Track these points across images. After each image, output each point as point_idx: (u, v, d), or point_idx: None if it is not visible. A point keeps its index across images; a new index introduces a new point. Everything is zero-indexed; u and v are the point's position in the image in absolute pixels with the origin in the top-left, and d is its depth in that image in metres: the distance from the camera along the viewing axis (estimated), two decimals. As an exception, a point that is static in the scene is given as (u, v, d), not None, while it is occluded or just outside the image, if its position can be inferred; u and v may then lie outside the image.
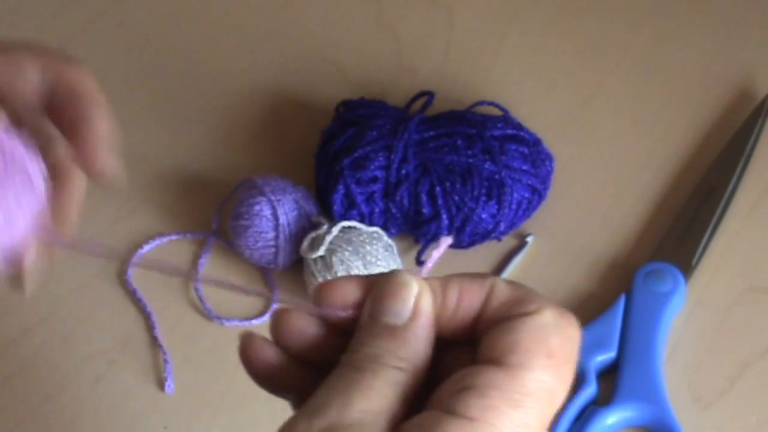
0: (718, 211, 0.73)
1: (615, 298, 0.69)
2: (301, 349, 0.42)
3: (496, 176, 0.70)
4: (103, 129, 0.48)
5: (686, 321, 0.70)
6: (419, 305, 0.40)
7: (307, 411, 0.39)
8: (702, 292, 0.71)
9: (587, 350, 0.68)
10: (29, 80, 0.49)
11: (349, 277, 0.42)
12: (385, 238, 0.69)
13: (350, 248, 0.68)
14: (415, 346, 0.40)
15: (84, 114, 0.48)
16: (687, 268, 0.71)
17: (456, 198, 0.70)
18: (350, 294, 0.41)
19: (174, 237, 0.74)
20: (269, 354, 0.42)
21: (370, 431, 0.39)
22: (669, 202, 0.75)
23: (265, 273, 0.73)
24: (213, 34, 0.84)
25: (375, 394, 0.39)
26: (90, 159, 0.48)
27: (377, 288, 0.41)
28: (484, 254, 0.73)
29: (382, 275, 0.41)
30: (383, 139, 0.71)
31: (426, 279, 0.41)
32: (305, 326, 0.42)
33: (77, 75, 0.49)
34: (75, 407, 0.69)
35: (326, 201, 0.71)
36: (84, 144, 0.48)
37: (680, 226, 0.73)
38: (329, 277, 0.68)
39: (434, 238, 0.71)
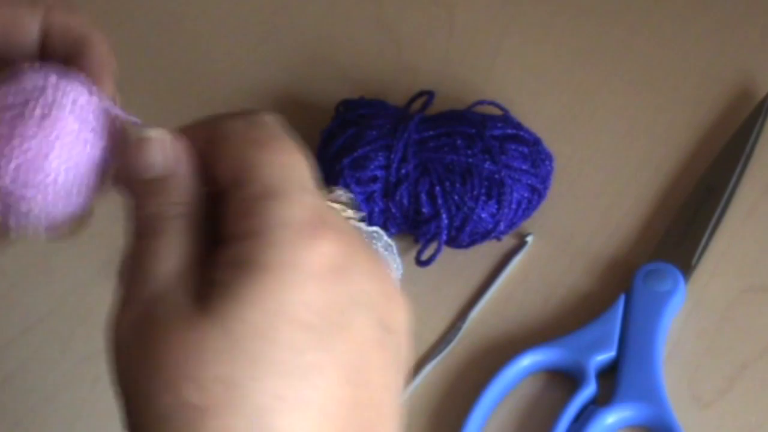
0: (718, 211, 0.73)
1: (615, 298, 0.69)
2: None
3: (496, 176, 0.70)
4: (102, 54, 0.47)
5: (686, 321, 0.70)
6: (167, 149, 0.41)
7: (117, 307, 0.39)
8: (702, 292, 0.71)
9: (587, 350, 0.68)
10: (29, 32, 0.48)
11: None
12: (385, 237, 0.69)
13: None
14: (184, 184, 0.40)
15: (82, 47, 0.47)
16: (687, 268, 0.71)
17: (456, 198, 0.70)
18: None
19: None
20: None
21: (182, 289, 0.38)
22: (669, 202, 0.75)
23: (264, 273, 0.73)
24: (212, 34, 0.84)
25: (168, 252, 0.39)
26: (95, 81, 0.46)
27: (126, 154, 0.42)
28: (483, 254, 0.73)
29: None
30: (383, 138, 0.71)
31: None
32: None
33: (75, 19, 0.48)
34: (75, 407, 0.69)
35: (326, 201, 0.71)
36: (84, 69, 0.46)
37: (680, 226, 0.73)
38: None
39: (434, 238, 0.71)
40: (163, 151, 0.41)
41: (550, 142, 0.74)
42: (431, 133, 0.71)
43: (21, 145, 0.41)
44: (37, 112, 0.42)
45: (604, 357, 0.68)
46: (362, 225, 0.69)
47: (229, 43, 0.84)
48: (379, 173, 0.71)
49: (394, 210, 0.71)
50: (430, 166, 0.70)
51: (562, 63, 0.81)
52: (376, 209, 0.71)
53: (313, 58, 0.82)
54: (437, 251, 0.71)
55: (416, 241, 0.72)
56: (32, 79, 0.43)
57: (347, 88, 0.79)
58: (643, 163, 0.77)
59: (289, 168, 0.39)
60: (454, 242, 0.71)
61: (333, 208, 0.40)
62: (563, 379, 0.68)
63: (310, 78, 0.81)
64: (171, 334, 0.37)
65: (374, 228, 0.69)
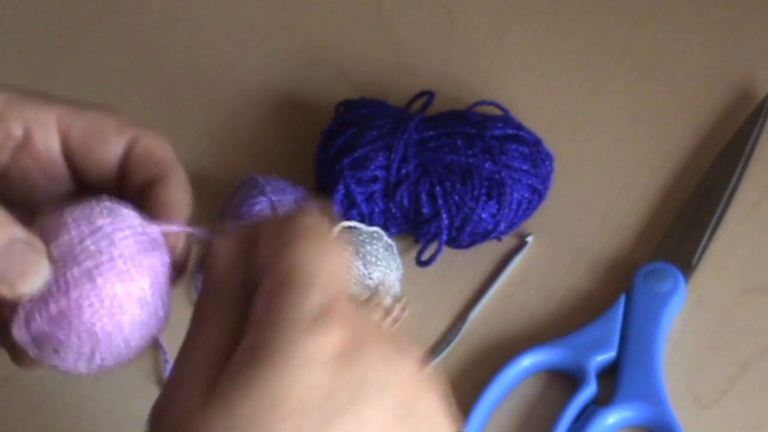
0: (718, 211, 0.73)
1: (615, 298, 0.70)
2: None
3: (496, 176, 0.70)
4: (179, 196, 0.48)
5: (686, 321, 0.70)
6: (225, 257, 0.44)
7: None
8: (702, 292, 0.71)
9: (587, 350, 0.68)
10: (112, 153, 0.48)
11: None
12: (385, 237, 0.69)
13: (350, 248, 0.68)
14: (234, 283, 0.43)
15: (160, 180, 0.48)
16: (687, 268, 0.71)
17: (456, 198, 0.70)
18: None
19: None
20: None
21: (194, 381, 0.41)
22: (669, 202, 0.75)
23: (265, 273, 0.73)
24: (213, 34, 0.84)
25: (200, 343, 0.43)
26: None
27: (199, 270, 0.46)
28: (484, 254, 0.73)
29: None
30: (383, 139, 0.71)
31: None
32: None
33: (156, 143, 0.49)
34: (75, 407, 0.69)
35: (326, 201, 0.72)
36: (158, 209, 0.47)
37: (680, 226, 0.73)
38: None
39: (434, 238, 0.71)
40: (223, 259, 0.43)
41: (550, 142, 0.74)
42: (431, 133, 0.71)
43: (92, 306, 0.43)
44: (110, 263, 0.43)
45: (604, 357, 0.68)
46: (362, 226, 0.70)
47: (230, 44, 0.83)
48: (379, 173, 0.71)
49: (394, 210, 0.71)
50: (430, 167, 0.70)
51: (562, 63, 0.81)
52: (377, 209, 0.71)
53: (313, 59, 0.82)
54: (437, 251, 0.71)
55: (416, 241, 0.72)
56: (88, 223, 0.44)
57: (347, 89, 0.79)
58: (643, 163, 0.77)
59: (312, 260, 0.41)
60: (454, 242, 0.71)
61: (354, 300, 0.41)
62: (563, 379, 0.68)
63: (310, 78, 0.81)
64: (176, 428, 0.39)
65: (374, 228, 0.69)
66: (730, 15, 0.83)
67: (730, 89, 0.79)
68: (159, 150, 0.49)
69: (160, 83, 0.82)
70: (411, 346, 0.41)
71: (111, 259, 0.42)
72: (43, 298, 0.42)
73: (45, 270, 0.43)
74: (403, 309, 0.70)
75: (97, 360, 0.44)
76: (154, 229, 0.45)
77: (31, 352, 0.43)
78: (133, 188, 0.48)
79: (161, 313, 0.45)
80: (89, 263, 0.42)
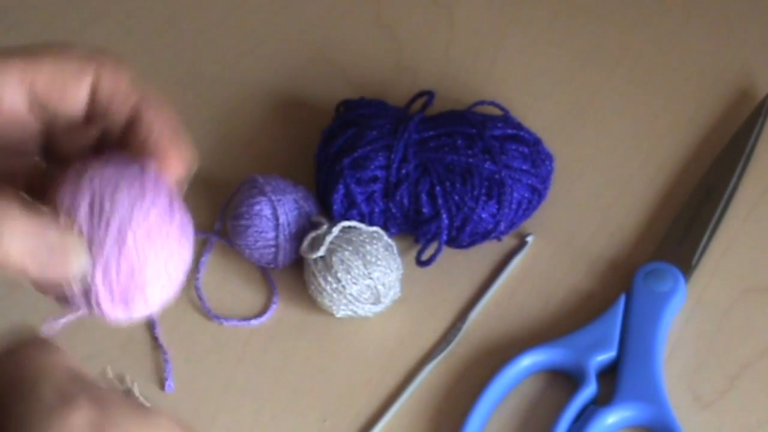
0: (718, 211, 0.73)
1: (615, 298, 0.70)
2: None
3: (496, 176, 0.70)
4: (167, 124, 0.49)
5: (686, 321, 0.70)
6: None
7: None
8: (702, 292, 0.71)
9: (587, 350, 0.68)
10: (77, 98, 0.47)
11: None
12: (385, 237, 0.69)
13: (350, 248, 0.68)
14: None
15: (142, 116, 0.48)
16: (687, 268, 0.71)
17: (456, 198, 0.70)
18: None
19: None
20: None
21: None
22: (669, 202, 0.75)
23: (265, 273, 0.73)
24: (213, 35, 0.84)
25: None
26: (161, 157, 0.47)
27: None
28: (484, 254, 0.73)
29: None
30: (383, 138, 0.71)
31: None
32: None
33: (119, 74, 0.48)
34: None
35: (326, 201, 0.72)
36: (151, 144, 0.47)
37: (680, 226, 0.73)
38: (329, 278, 0.68)
39: (434, 238, 0.71)
40: None
41: (550, 142, 0.74)
42: (431, 133, 0.71)
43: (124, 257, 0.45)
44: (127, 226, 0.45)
45: (604, 357, 0.68)
46: (362, 226, 0.70)
47: (230, 44, 0.84)
48: (379, 173, 0.71)
49: (394, 210, 0.71)
50: (430, 167, 0.70)
51: (562, 63, 0.81)
52: (377, 209, 0.71)
53: (313, 59, 0.82)
54: (437, 251, 0.71)
55: (416, 241, 0.72)
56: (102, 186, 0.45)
57: (347, 89, 0.80)
58: (643, 163, 0.77)
59: (32, 363, 0.40)
60: (454, 242, 0.71)
61: (87, 380, 0.41)
62: (563, 379, 0.68)
63: (310, 78, 0.81)
64: None
65: (374, 228, 0.69)
66: (730, 15, 0.83)
67: (730, 89, 0.79)
68: (124, 81, 0.48)
69: (160, 84, 0.81)
70: (158, 412, 0.41)
71: (132, 218, 0.45)
72: (92, 271, 0.45)
73: (81, 249, 0.44)
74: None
75: (159, 298, 0.47)
76: (150, 174, 0.47)
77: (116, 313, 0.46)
78: (118, 129, 0.48)
79: (187, 243, 0.47)
80: (114, 229, 0.44)
